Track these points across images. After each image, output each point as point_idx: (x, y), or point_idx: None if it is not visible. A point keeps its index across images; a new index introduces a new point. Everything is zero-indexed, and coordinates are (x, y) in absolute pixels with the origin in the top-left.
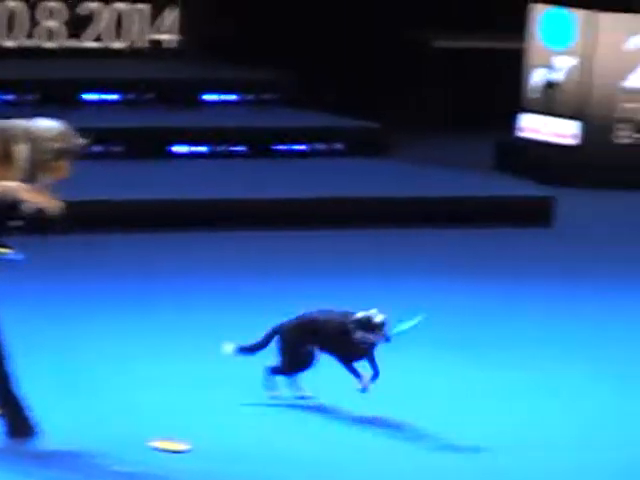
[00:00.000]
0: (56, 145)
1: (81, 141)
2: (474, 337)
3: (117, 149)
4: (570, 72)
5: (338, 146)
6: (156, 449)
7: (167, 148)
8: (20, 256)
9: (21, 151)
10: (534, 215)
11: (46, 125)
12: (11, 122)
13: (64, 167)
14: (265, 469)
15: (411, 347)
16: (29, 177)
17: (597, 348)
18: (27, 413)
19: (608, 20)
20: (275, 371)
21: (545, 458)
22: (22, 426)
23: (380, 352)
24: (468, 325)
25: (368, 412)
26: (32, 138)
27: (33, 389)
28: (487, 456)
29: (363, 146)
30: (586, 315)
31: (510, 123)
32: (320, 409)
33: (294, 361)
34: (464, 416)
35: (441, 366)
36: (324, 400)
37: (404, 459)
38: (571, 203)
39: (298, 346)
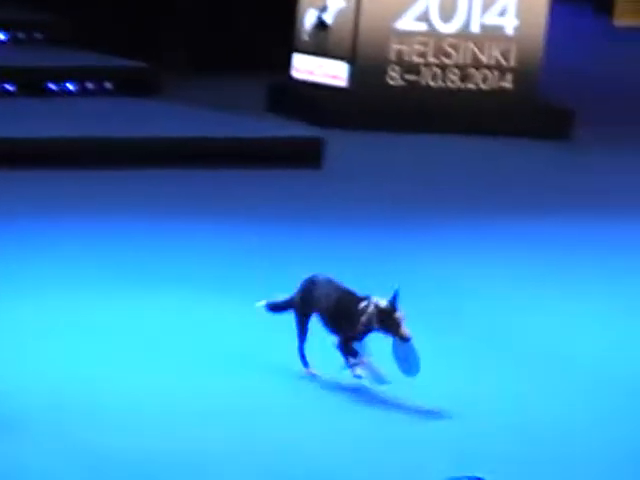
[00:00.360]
0: None
1: None
2: (235, 278)
3: None
4: (340, 13)
5: (107, 85)
6: None
7: None
8: None
9: None
10: (304, 156)
11: None
12: None
13: None
14: None
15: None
16: None
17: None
18: None
19: None
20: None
21: None
22: None
23: None
24: (231, 266)
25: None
26: None
27: None
28: None
29: (132, 86)
30: (357, 254)
31: (284, 64)
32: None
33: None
34: None
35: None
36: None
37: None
38: (341, 145)
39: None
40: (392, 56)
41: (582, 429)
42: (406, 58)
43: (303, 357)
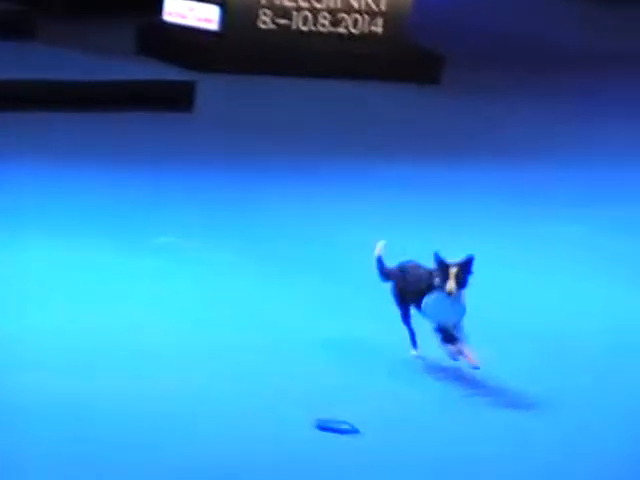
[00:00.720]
0: None
1: None
2: (122, 224)
3: None
4: None
5: None
6: None
7: None
8: None
9: None
10: (175, 100)
11: None
12: None
13: None
14: None
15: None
16: None
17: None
18: None
19: None
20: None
21: None
22: None
23: None
24: (110, 211)
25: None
26: None
27: None
28: None
29: (6, 29)
30: (240, 200)
31: (156, 8)
32: None
33: None
34: None
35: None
36: None
37: None
38: (212, 89)
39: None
40: (263, 0)
41: None
42: (277, 2)
43: (413, 340)
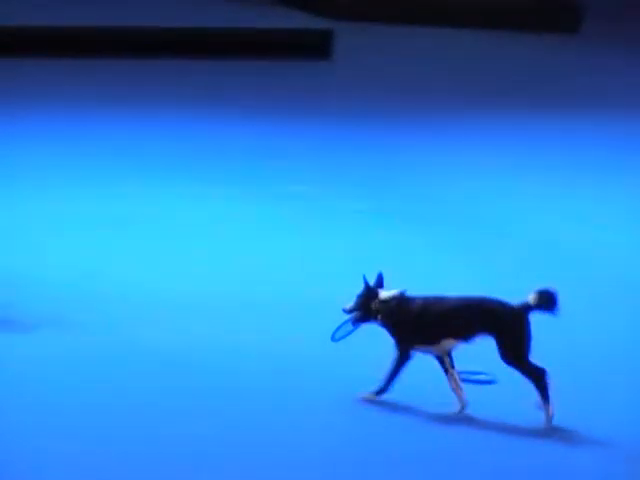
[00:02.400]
0: None
1: None
2: (255, 173)
3: None
4: None
5: None
6: None
7: None
8: None
9: None
10: (314, 48)
11: None
12: None
13: None
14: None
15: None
16: None
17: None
18: None
19: None
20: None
21: None
22: None
23: None
24: (244, 159)
25: None
26: None
27: None
28: None
29: None
30: (365, 150)
31: None
32: None
33: None
34: None
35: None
36: None
37: None
38: (351, 37)
39: None
40: None
41: None
42: None
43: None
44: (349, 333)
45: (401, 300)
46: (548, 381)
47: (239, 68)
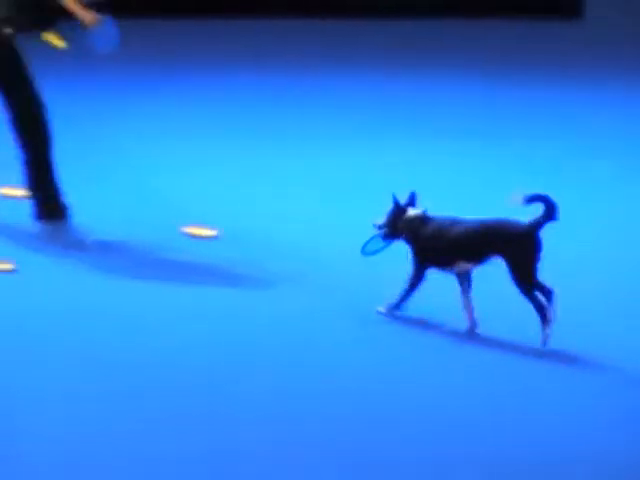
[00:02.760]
0: None
1: None
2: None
3: None
4: None
5: None
6: (186, 234)
7: None
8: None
9: None
10: (564, 6)
11: None
12: None
13: None
14: (288, 261)
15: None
16: None
17: None
18: (61, 197)
19: None
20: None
21: None
22: (55, 209)
23: None
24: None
25: None
26: None
27: (61, 175)
28: None
29: None
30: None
31: None
32: None
33: None
34: None
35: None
36: None
37: None
38: None
39: None
40: None
41: None
42: None
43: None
44: (381, 249)
45: (423, 219)
46: (553, 303)
47: (490, 26)
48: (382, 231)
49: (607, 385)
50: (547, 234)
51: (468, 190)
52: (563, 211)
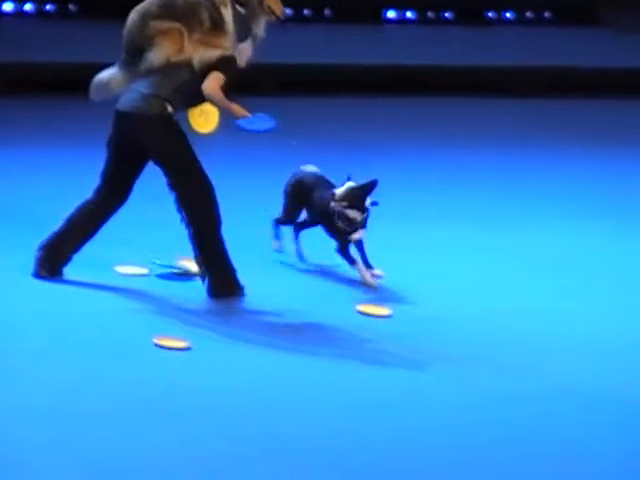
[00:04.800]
0: None
1: None
2: None
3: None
4: None
5: (546, 15)
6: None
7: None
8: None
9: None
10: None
11: None
12: None
13: (276, 2)
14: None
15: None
16: (240, 38)
17: None
18: (234, 273)
19: None
20: (278, 222)
21: None
22: (229, 285)
23: None
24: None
25: None
26: None
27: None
28: None
29: (572, 15)
30: None
31: None
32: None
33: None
34: None
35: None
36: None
37: None
38: None
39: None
40: None
41: None
42: None
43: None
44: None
45: None
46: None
47: None
48: None
49: None
50: None
51: None
52: None
